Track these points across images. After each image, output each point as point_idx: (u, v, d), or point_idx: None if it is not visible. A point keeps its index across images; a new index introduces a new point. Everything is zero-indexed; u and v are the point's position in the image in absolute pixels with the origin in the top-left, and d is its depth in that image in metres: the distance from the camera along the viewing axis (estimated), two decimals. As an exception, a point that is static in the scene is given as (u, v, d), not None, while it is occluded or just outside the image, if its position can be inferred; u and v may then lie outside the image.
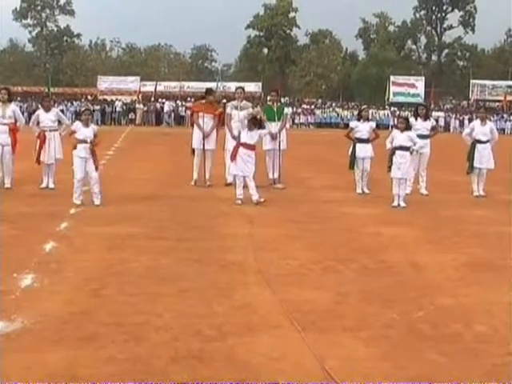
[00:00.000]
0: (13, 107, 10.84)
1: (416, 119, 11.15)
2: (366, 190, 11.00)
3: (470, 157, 10.90)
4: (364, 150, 10.84)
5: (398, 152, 9.54)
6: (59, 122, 11.01)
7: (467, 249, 6.81)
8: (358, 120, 11.23)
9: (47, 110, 10.82)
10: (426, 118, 11.30)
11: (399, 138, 9.60)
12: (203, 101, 11.82)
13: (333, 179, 12.96)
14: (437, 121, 44.59)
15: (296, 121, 43.91)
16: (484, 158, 10.80)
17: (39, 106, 11.99)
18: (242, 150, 9.46)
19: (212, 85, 44.92)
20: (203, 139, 11.43)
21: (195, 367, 3.52)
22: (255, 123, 9.69)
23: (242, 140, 9.54)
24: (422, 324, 4.30)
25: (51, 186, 10.56)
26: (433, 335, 4.11)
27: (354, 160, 10.82)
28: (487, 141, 10.89)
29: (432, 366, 3.62)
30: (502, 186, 11.70)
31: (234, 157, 9.52)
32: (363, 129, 10.95)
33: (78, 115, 39.15)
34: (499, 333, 4.18)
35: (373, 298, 4.88)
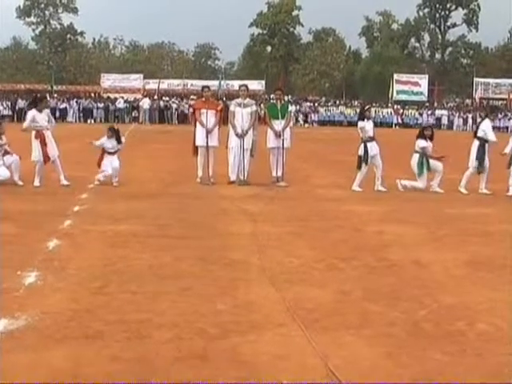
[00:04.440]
0: None
1: (426, 140, 11.10)
2: (383, 188, 10.99)
3: (479, 157, 11.01)
4: (374, 148, 11.06)
5: None
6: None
7: (471, 247, 6.80)
8: (363, 120, 11.25)
9: (40, 110, 10.88)
10: (431, 138, 11.26)
11: None
12: (203, 98, 11.92)
13: (336, 177, 12.96)
14: (440, 119, 44.97)
15: (299, 119, 43.69)
16: None
17: (30, 107, 11.67)
18: (106, 155, 10.91)
19: (215, 83, 44.91)
20: (206, 136, 11.45)
21: (198, 366, 3.52)
22: (114, 132, 11.11)
23: (107, 149, 10.98)
24: (425, 322, 4.30)
25: (66, 182, 10.60)
26: (436, 334, 4.11)
27: (367, 159, 10.90)
28: None
29: (435, 364, 3.61)
30: (507, 184, 11.65)
31: (100, 162, 10.91)
32: (370, 128, 11.10)
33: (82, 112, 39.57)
34: (502, 331, 4.17)
35: (376, 296, 4.88)
